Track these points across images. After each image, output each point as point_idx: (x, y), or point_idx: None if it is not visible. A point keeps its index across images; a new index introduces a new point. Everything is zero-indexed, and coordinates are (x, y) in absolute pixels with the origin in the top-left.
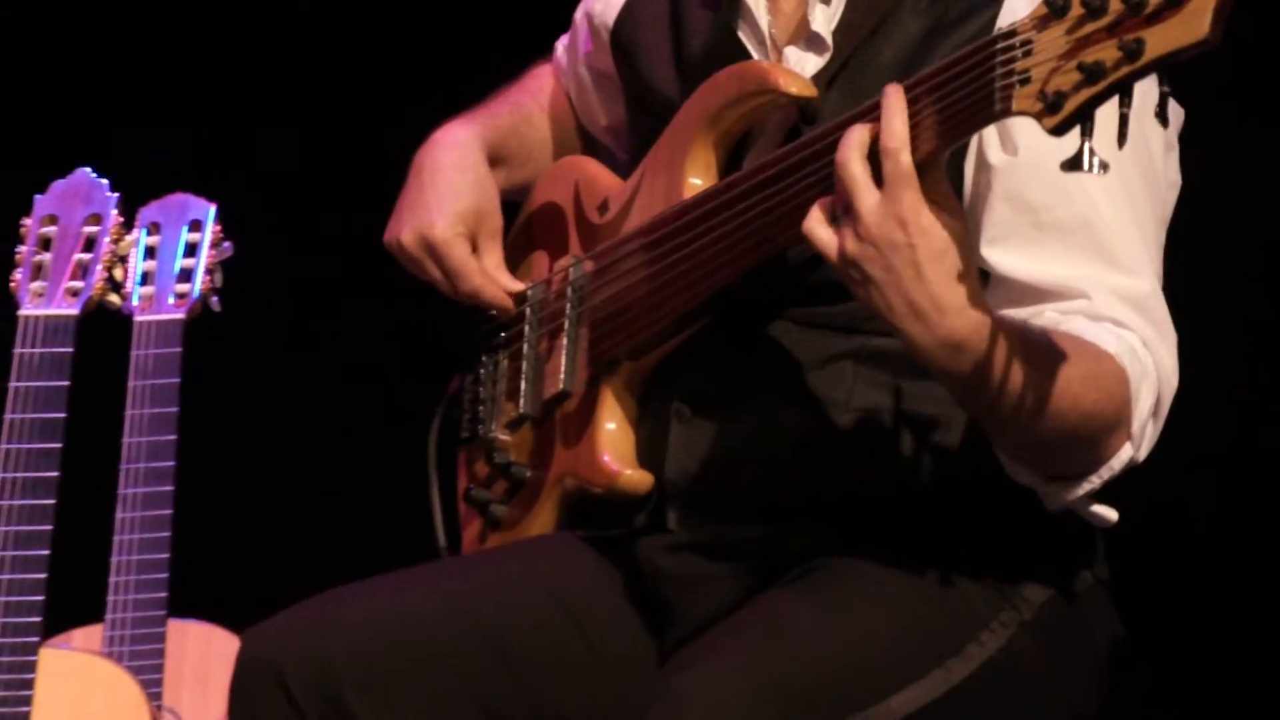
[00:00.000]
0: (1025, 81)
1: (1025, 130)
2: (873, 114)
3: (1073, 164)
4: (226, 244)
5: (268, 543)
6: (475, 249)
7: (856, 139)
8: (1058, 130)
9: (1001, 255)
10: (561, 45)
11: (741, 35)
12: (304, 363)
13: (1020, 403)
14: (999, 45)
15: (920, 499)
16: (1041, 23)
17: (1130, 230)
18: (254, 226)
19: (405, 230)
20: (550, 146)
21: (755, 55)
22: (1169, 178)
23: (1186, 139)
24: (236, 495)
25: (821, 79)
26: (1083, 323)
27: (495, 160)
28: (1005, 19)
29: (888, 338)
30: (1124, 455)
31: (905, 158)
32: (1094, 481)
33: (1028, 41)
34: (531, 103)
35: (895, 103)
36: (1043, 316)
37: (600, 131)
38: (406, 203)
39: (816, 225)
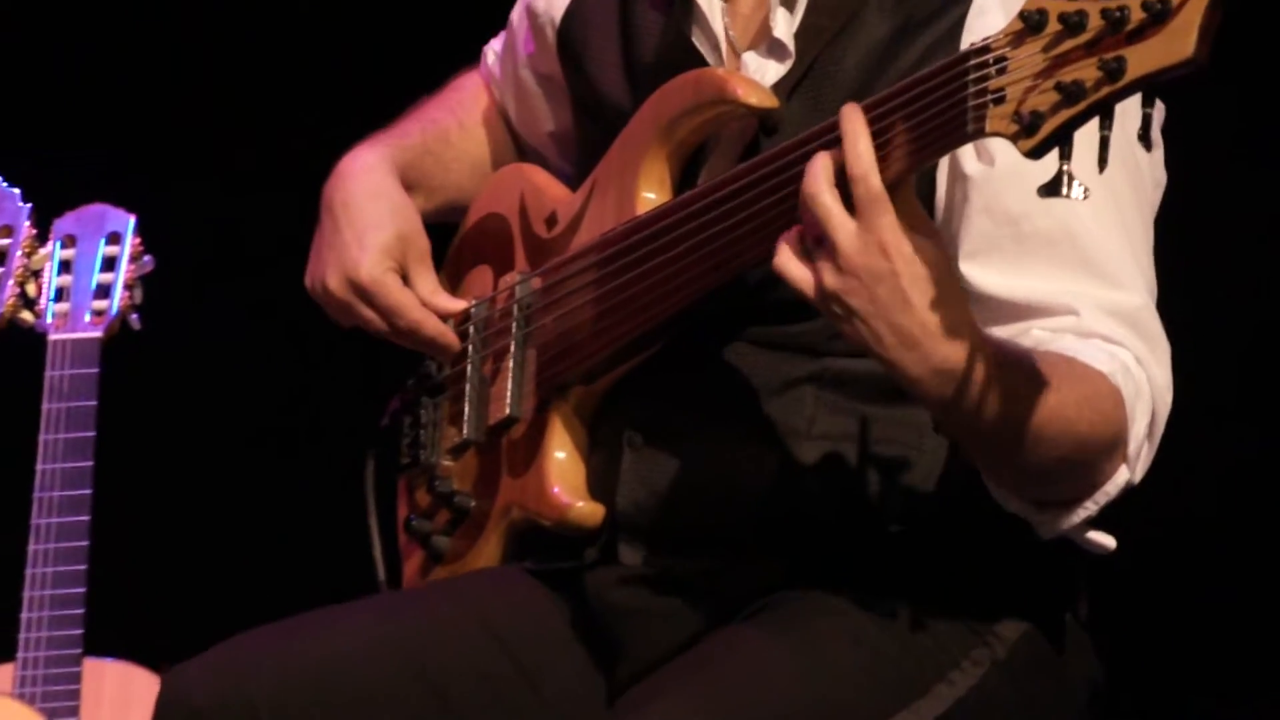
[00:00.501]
0: (999, 101)
1: (1000, 140)
2: (835, 133)
3: (1050, 189)
4: (147, 258)
5: (192, 576)
6: (406, 279)
7: (821, 167)
8: (1034, 153)
9: (981, 271)
10: (493, 50)
11: (695, 40)
12: (230, 384)
13: (1013, 428)
14: (971, 62)
15: (886, 530)
16: (1017, 38)
17: (1117, 239)
18: (177, 238)
19: (329, 274)
20: (474, 165)
21: (711, 61)
22: (1155, 176)
23: (1170, 137)
24: (158, 525)
25: (783, 87)
26: (1072, 341)
27: (408, 185)
28: (974, 18)
29: (852, 359)
30: (1120, 479)
31: (875, 181)
32: (1090, 508)
33: (1002, 58)
34: (449, 119)
35: (856, 125)
36: (1029, 335)
37: (543, 140)
38: (324, 244)
39: (788, 261)
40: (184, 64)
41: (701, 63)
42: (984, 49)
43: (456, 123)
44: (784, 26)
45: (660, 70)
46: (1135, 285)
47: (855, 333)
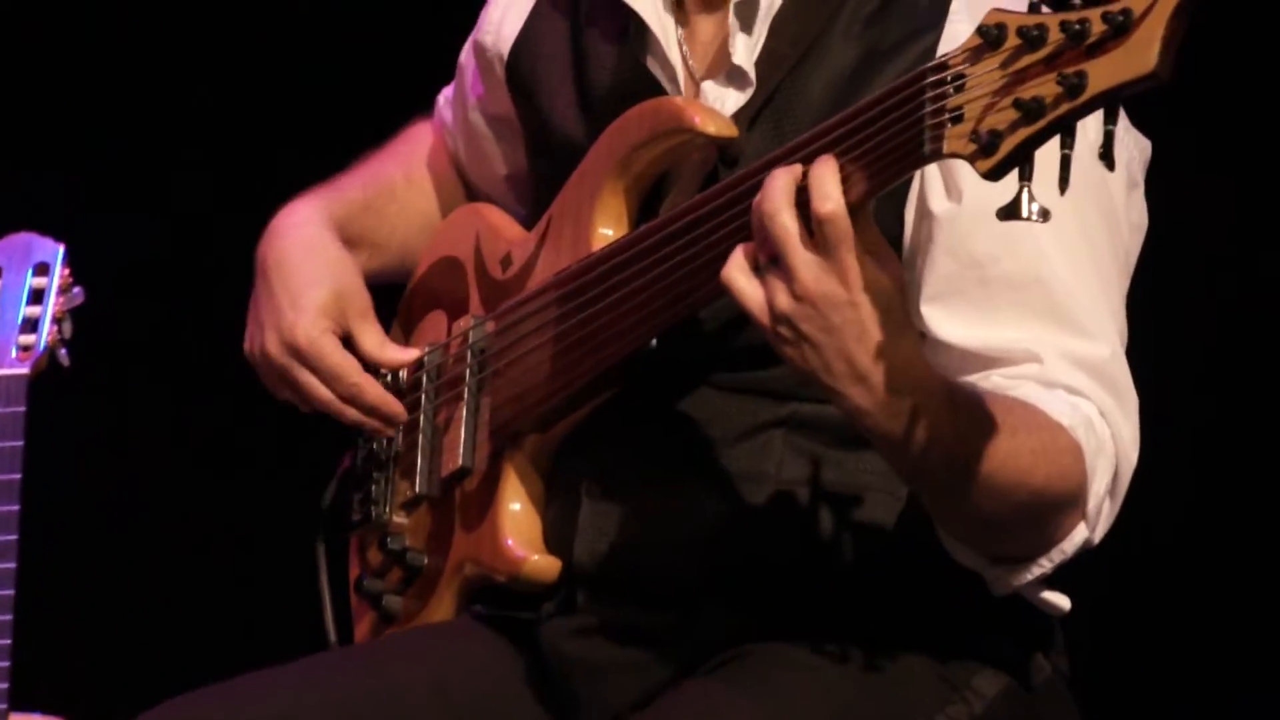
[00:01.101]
0: (957, 120)
1: (970, 175)
2: (797, 154)
3: (1009, 211)
4: (77, 290)
5: (128, 630)
6: (349, 338)
7: (781, 185)
8: (993, 174)
9: (944, 315)
10: (445, 97)
11: (651, 69)
12: (168, 427)
13: (963, 474)
14: (928, 80)
15: (856, 579)
16: (975, 54)
17: (1088, 285)
18: (109, 269)
19: (267, 339)
20: (423, 220)
21: (669, 91)
22: (1132, 219)
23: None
24: (89, 575)
25: (743, 116)
26: (1034, 389)
27: (349, 242)
28: (946, 44)
29: (821, 404)
30: (1077, 537)
31: (845, 221)
32: (1044, 565)
33: (960, 75)
34: (395, 171)
35: (824, 165)
36: (988, 380)
37: (497, 185)
38: (259, 307)
39: (738, 274)
40: (115, 80)
41: (659, 92)
42: (941, 65)
43: (403, 175)
44: (743, 53)
45: (616, 101)
46: (1104, 334)
47: (802, 359)
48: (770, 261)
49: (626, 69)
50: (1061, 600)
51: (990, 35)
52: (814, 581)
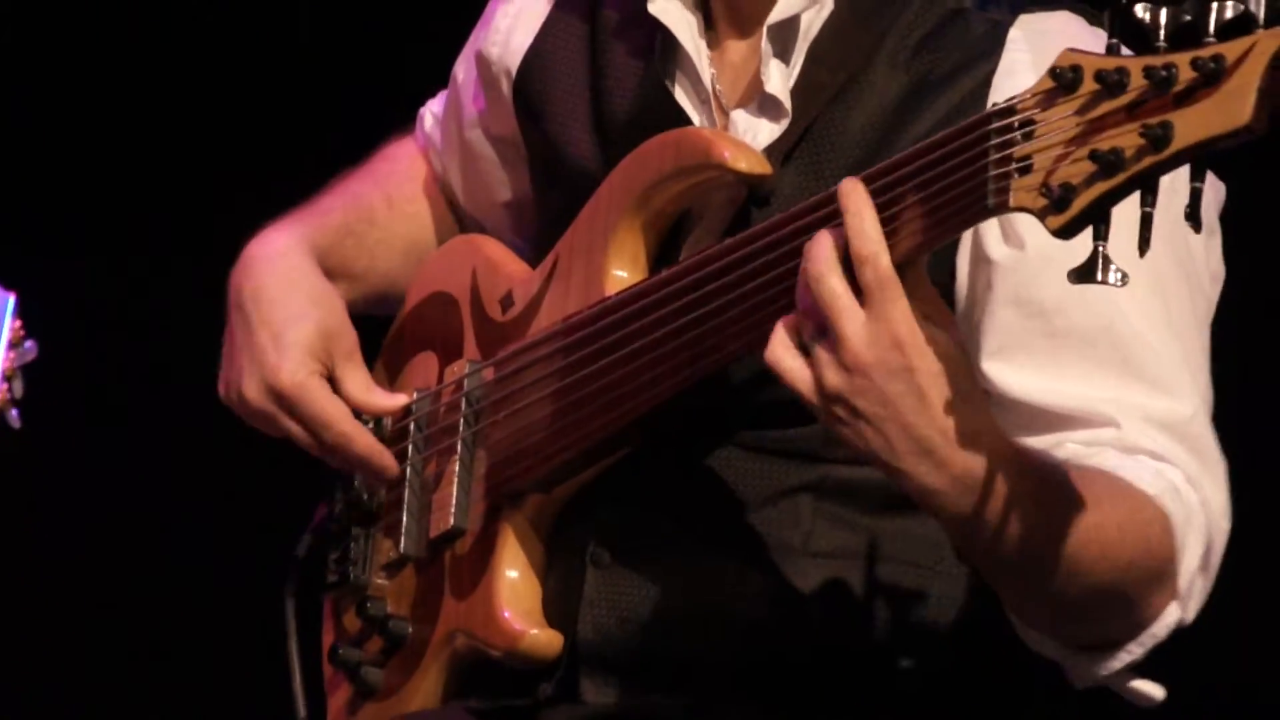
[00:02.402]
0: (1025, 171)
1: (1031, 219)
2: (835, 205)
3: (1083, 274)
4: (29, 344)
5: (83, 704)
6: (333, 379)
7: (827, 245)
8: (1064, 232)
9: (1009, 371)
10: (431, 112)
11: (678, 94)
12: (125, 489)
13: (1044, 552)
14: (993, 125)
15: (894, 669)
16: (1047, 99)
17: (1164, 338)
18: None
19: (246, 382)
20: (406, 247)
21: (696, 119)
22: (1212, 268)
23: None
24: (45, 644)
25: (777, 151)
26: (1113, 456)
27: (329, 273)
28: (1003, 78)
29: (855, 467)
30: (1169, 618)
31: (885, 262)
32: (1133, 651)
33: (1029, 121)
34: (375, 194)
35: (858, 200)
36: (1063, 449)
37: (495, 214)
38: (236, 346)
39: (784, 354)
40: (68, 119)
41: (683, 120)
42: (1008, 110)
43: (384, 198)
44: (778, 81)
45: (635, 128)
46: (1185, 391)
47: (861, 439)
48: (818, 333)
49: (649, 93)
50: (1155, 690)
51: (1064, 78)
52: (849, 672)
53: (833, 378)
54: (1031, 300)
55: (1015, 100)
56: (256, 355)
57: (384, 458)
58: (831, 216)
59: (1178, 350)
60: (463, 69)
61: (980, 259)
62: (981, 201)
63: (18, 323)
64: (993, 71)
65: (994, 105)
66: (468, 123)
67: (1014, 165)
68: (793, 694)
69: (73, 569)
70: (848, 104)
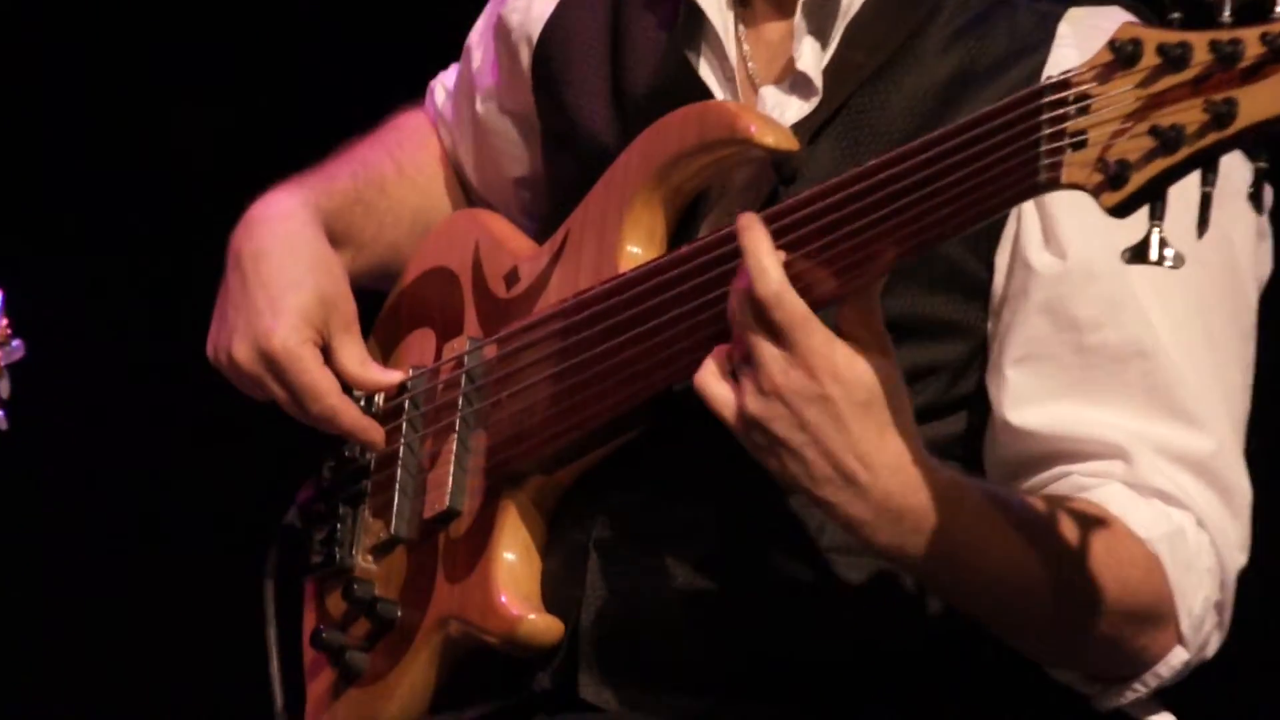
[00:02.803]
0: (1080, 146)
1: (1076, 227)
2: (879, 175)
3: (1137, 253)
4: (16, 343)
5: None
6: (328, 350)
7: (744, 281)
8: (1120, 210)
9: (1031, 381)
10: (443, 86)
11: (702, 69)
12: (108, 484)
13: (990, 588)
14: (1046, 99)
15: (913, 672)
16: (1104, 72)
17: (1199, 364)
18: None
19: (236, 342)
20: (414, 218)
21: (718, 94)
22: (1259, 275)
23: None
24: (31, 641)
25: (804, 128)
26: (1118, 491)
27: (334, 239)
28: (1054, 69)
29: None
30: (1174, 660)
31: (789, 300)
32: (1138, 689)
33: (1084, 96)
34: (385, 162)
35: (753, 238)
36: (1068, 480)
37: (505, 190)
38: (230, 305)
39: (711, 380)
40: (55, 116)
41: (706, 95)
42: (1063, 83)
43: (394, 167)
44: (811, 59)
45: (655, 102)
46: (1213, 422)
47: (781, 468)
48: (744, 360)
49: (671, 66)
50: None
51: (1124, 52)
52: (862, 671)
53: (752, 404)
54: (1066, 312)
55: (1070, 74)
56: (250, 317)
57: (370, 433)
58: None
59: (1212, 376)
60: (477, 40)
61: (1020, 261)
62: (1032, 177)
63: (4, 321)
64: (1041, 65)
65: (1048, 78)
66: (481, 96)
67: (1068, 140)
68: (801, 695)
69: (55, 566)
70: (888, 86)
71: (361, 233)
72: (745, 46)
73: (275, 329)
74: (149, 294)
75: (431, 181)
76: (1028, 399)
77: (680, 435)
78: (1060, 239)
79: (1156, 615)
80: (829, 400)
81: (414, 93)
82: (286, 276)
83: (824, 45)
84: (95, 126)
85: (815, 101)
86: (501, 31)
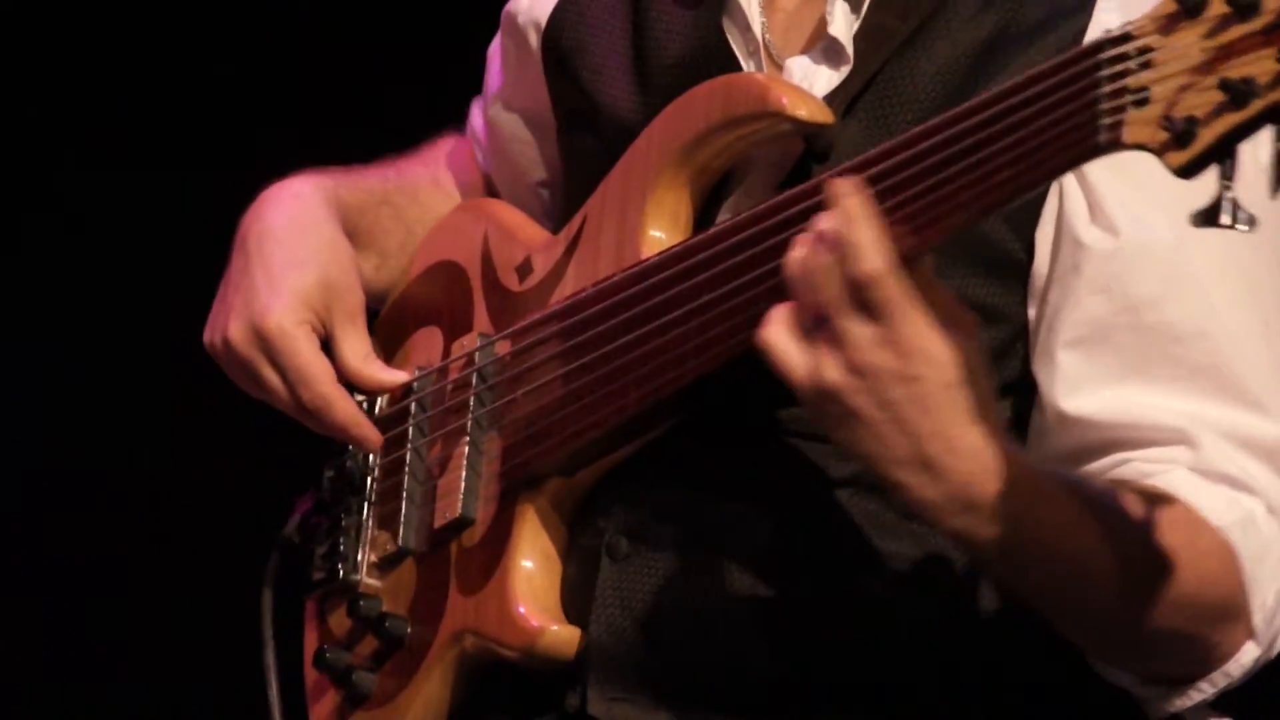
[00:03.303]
0: (1142, 103)
1: (1124, 201)
2: (917, 146)
3: (1207, 217)
4: None
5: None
6: (329, 340)
7: (849, 251)
8: (1187, 169)
9: (1085, 365)
10: (477, 106)
11: (731, 38)
12: (94, 480)
13: (1069, 579)
14: (1106, 54)
15: (949, 695)
16: (1167, 23)
17: (1260, 347)
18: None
19: (232, 322)
20: None
21: (744, 66)
22: None
23: None
24: (18, 664)
25: (836, 101)
26: (1184, 477)
27: (356, 238)
28: (1095, 34)
29: None
30: (1245, 657)
31: (895, 281)
32: (1204, 690)
33: (1147, 49)
34: (422, 172)
35: (857, 206)
36: (1130, 466)
37: (529, 197)
38: (230, 286)
39: (780, 337)
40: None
41: (733, 66)
42: (1123, 37)
43: (430, 178)
44: (843, 24)
45: (684, 74)
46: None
47: (852, 440)
48: (819, 323)
49: (704, 38)
50: None
51: (1189, 1)
52: (891, 693)
53: (832, 374)
54: (1123, 291)
55: (1130, 26)
56: (249, 295)
57: (363, 428)
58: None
59: (1273, 359)
60: (492, 47)
61: (1066, 238)
62: (1092, 138)
63: None
64: (1082, 31)
65: (1106, 32)
66: (493, 101)
67: (1129, 97)
68: (832, 712)
69: (44, 569)
70: (917, 52)
71: (388, 237)
72: (763, 16)
73: (271, 307)
74: (144, 293)
75: (469, 197)
76: (1083, 384)
77: (703, 432)
78: (1108, 213)
79: (1231, 609)
80: (918, 381)
81: (457, 117)
82: (291, 256)
83: (854, 9)
84: (119, 126)
85: (846, 70)
86: (508, 21)
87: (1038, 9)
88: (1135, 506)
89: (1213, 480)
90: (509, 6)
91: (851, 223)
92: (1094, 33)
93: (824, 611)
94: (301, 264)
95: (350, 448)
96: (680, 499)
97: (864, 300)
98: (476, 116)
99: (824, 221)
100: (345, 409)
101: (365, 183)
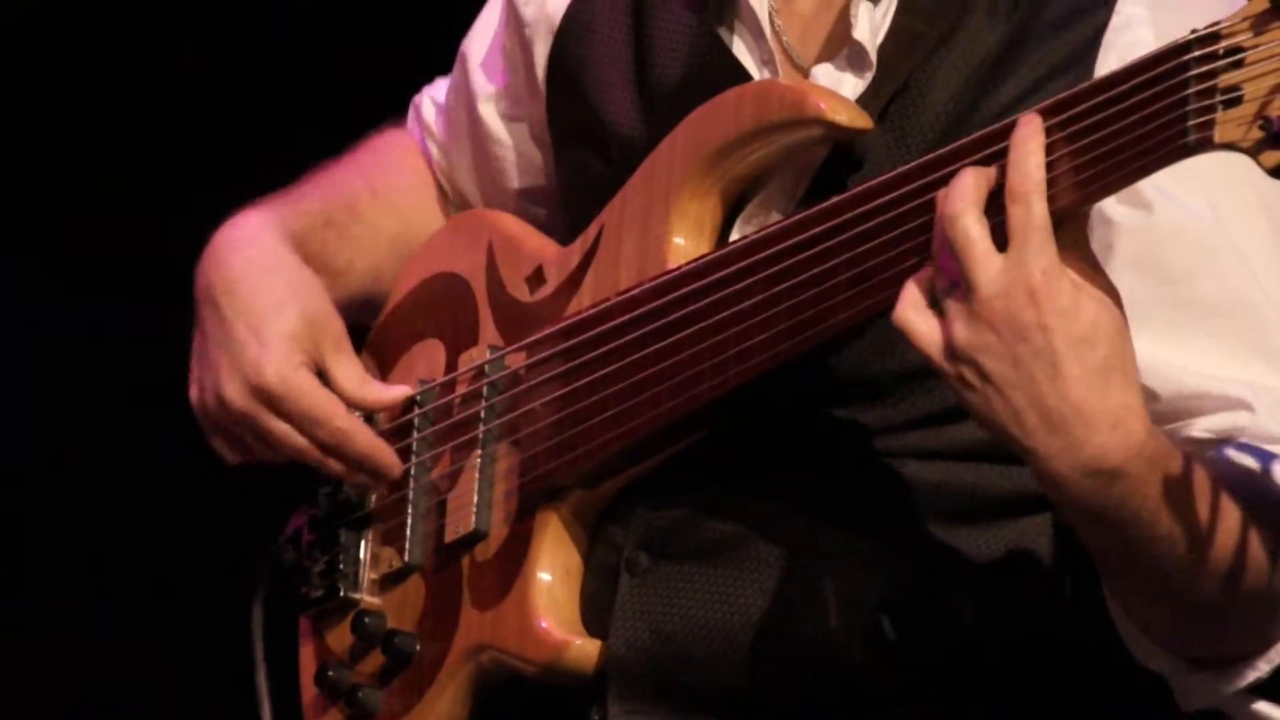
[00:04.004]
0: (1233, 103)
1: (1155, 179)
2: (980, 151)
3: None
4: None
5: None
6: (321, 373)
7: (969, 184)
8: None
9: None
10: (430, 99)
11: (737, 51)
12: (75, 497)
13: (1177, 556)
14: (1194, 53)
15: (986, 696)
16: (1259, 22)
17: None
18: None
19: (225, 381)
20: (390, 242)
21: (757, 78)
22: None
23: None
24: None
25: (869, 108)
26: (1245, 449)
27: (307, 263)
28: (1118, 32)
29: (928, 463)
30: None
31: (1039, 205)
32: (1260, 669)
33: (1237, 49)
34: (359, 183)
35: (1029, 134)
36: (1191, 431)
37: (509, 203)
38: (210, 343)
39: (912, 312)
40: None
41: (744, 80)
42: (1211, 36)
43: (368, 189)
44: (866, 28)
45: (687, 90)
46: None
47: (987, 408)
48: (949, 286)
49: (703, 50)
50: None
51: None
52: (926, 706)
53: (961, 332)
54: (1158, 264)
55: (1220, 25)
56: (235, 351)
57: (386, 455)
58: (977, 161)
59: None
60: (478, 44)
61: (1097, 217)
62: (1180, 139)
63: None
64: (1104, 25)
65: (1193, 31)
66: (482, 100)
67: (1219, 97)
68: None
69: (36, 587)
70: (939, 56)
71: (336, 258)
72: (778, 23)
73: (264, 360)
74: (140, 305)
75: (411, 203)
76: None
77: (718, 443)
78: (1139, 190)
79: None
80: (1047, 331)
81: (396, 110)
82: (265, 300)
83: (878, 14)
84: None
85: (869, 77)
86: (514, 26)
87: (1058, 5)
88: (1228, 476)
89: (1275, 445)
90: (516, 6)
91: (1017, 144)
92: (1116, 29)
93: (851, 620)
94: (280, 306)
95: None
96: (698, 511)
97: (1008, 221)
98: (434, 113)
99: (973, 173)
100: (365, 438)
101: (305, 206)
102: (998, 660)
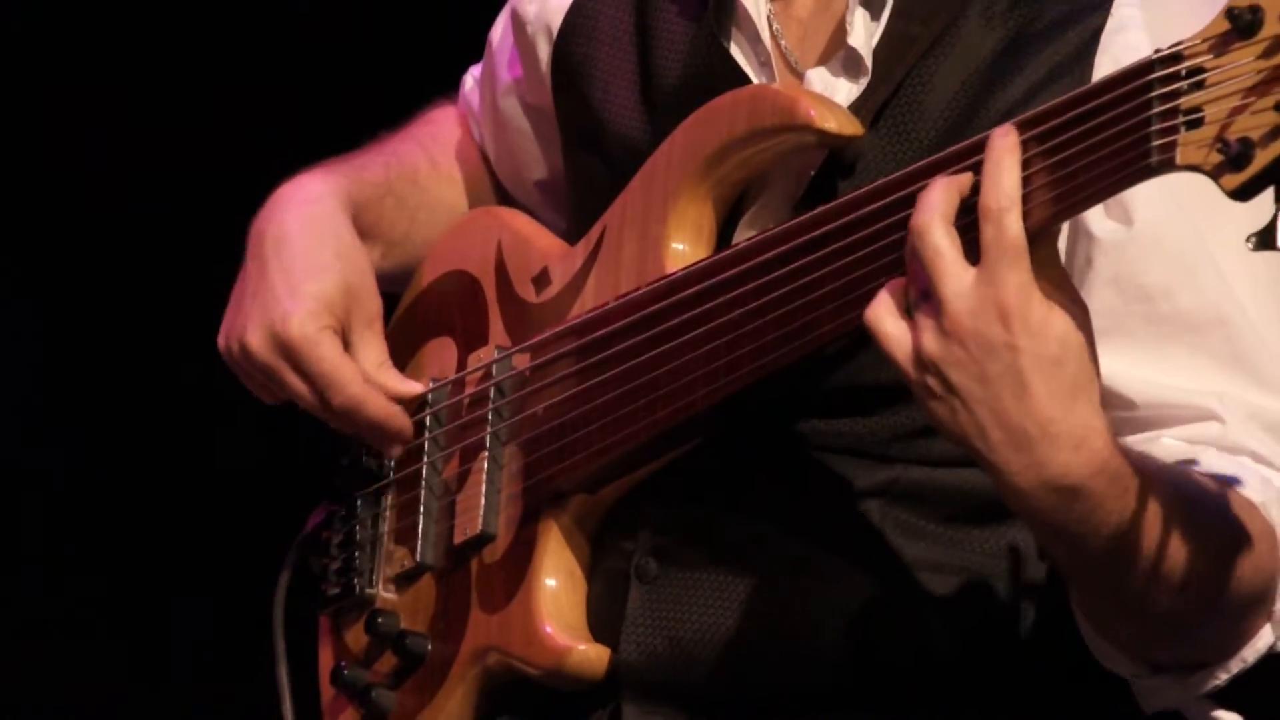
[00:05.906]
0: (1195, 124)
1: (1141, 192)
2: (958, 164)
3: (1264, 240)
4: None
5: None
6: (347, 345)
7: (940, 198)
8: (1242, 192)
9: (1105, 357)
10: (472, 76)
11: (735, 54)
12: (96, 496)
13: (1140, 567)
14: (1156, 74)
15: (977, 701)
16: (1220, 44)
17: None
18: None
19: (251, 328)
20: (449, 215)
21: (755, 81)
22: None
23: None
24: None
25: (861, 113)
26: (1214, 456)
27: (362, 233)
28: (1112, 35)
29: (925, 468)
30: (1260, 643)
31: (1013, 223)
32: (1219, 677)
33: (1198, 70)
34: (418, 155)
35: (1005, 149)
36: (1159, 444)
37: (528, 192)
38: (246, 293)
39: (884, 316)
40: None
41: (742, 83)
42: (1173, 57)
43: (428, 160)
44: (862, 34)
45: (687, 93)
46: None
47: (952, 419)
48: (920, 296)
49: (703, 53)
50: None
51: (1242, 20)
52: (922, 701)
53: (930, 344)
54: (1134, 282)
55: (1181, 45)
56: (267, 302)
57: (399, 420)
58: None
59: None
60: (498, 32)
61: (1080, 232)
62: (1143, 160)
63: None
64: (1100, 28)
65: (1156, 51)
66: (501, 90)
67: (1181, 118)
68: None
69: (52, 585)
70: (936, 60)
71: (393, 228)
72: (775, 26)
73: (292, 313)
74: (152, 299)
75: (466, 176)
76: (1106, 373)
77: (724, 448)
78: (1123, 204)
79: (1266, 592)
80: (1016, 351)
81: (447, 87)
82: (310, 261)
83: (874, 17)
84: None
85: (865, 82)
86: (517, 23)
87: (1054, 9)
88: (1199, 490)
89: (1242, 458)
90: (517, 7)
91: (993, 160)
92: (1111, 31)
93: (856, 620)
94: (322, 269)
95: (365, 457)
96: (707, 517)
97: (981, 237)
98: (473, 91)
99: (943, 184)
100: (377, 406)
101: (370, 175)
102: (1008, 662)
